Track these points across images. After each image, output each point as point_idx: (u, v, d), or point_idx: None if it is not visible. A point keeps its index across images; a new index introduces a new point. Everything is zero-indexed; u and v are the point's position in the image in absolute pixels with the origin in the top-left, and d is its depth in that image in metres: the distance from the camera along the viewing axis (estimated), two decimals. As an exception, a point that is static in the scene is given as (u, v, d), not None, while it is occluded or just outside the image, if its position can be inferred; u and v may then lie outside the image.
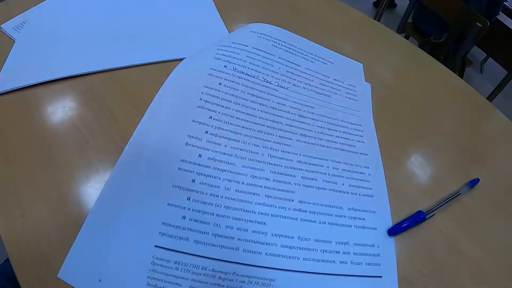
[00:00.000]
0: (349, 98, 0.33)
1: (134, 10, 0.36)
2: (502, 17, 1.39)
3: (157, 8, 0.37)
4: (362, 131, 0.31)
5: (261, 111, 0.28)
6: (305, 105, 0.30)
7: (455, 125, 0.38)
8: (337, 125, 0.30)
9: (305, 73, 0.33)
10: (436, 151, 0.34)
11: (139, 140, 0.24)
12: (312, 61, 0.35)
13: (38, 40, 0.30)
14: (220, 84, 0.28)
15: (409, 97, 0.39)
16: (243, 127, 0.26)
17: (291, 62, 0.33)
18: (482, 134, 0.39)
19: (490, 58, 1.84)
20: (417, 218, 0.26)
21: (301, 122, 0.29)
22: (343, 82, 0.34)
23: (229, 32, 0.36)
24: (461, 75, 1.48)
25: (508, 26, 1.33)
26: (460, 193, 0.29)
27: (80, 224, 0.20)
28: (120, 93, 0.28)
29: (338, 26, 0.47)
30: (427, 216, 0.27)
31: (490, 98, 1.42)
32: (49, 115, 0.25)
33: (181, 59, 0.31)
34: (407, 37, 1.66)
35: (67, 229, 0.20)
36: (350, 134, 0.30)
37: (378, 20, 1.75)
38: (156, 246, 0.20)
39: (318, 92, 0.32)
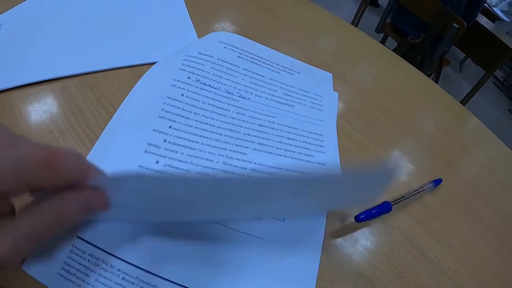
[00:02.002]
0: (313, 107, 0.34)
1: (107, 14, 0.37)
2: (480, 18, 1.39)
3: (130, 12, 0.38)
4: (323, 141, 0.32)
5: (220, 120, 0.29)
6: (266, 115, 0.31)
7: (425, 128, 0.39)
8: (297, 135, 0.31)
9: (269, 83, 0.34)
10: (404, 153, 0.34)
11: (101, 148, 0.26)
12: (277, 72, 0.36)
13: (14, 44, 0.31)
14: (182, 95, 0.29)
15: (379, 101, 0.39)
16: (201, 136, 0.28)
17: (256, 73, 0.34)
18: (452, 136, 0.39)
19: (469, 58, 1.85)
20: (384, 208, 0.27)
21: (260, 131, 0.30)
22: (309, 92, 0.35)
23: (198, 37, 0.37)
24: (438, 75, 1.49)
25: (486, 27, 1.34)
26: (424, 189, 0.30)
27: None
28: (92, 97, 0.29)
29: (312, 30, 0.48)
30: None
31: (468, 96, 1.46)
32: (22, 118, 0.27)
33: (152, 63, 0.33)
34: (386, 37, 1.65)
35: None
36: (309, 144, 0.31)
37: (359, 19, 1.75)
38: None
39: (281, 102, 0.33)
